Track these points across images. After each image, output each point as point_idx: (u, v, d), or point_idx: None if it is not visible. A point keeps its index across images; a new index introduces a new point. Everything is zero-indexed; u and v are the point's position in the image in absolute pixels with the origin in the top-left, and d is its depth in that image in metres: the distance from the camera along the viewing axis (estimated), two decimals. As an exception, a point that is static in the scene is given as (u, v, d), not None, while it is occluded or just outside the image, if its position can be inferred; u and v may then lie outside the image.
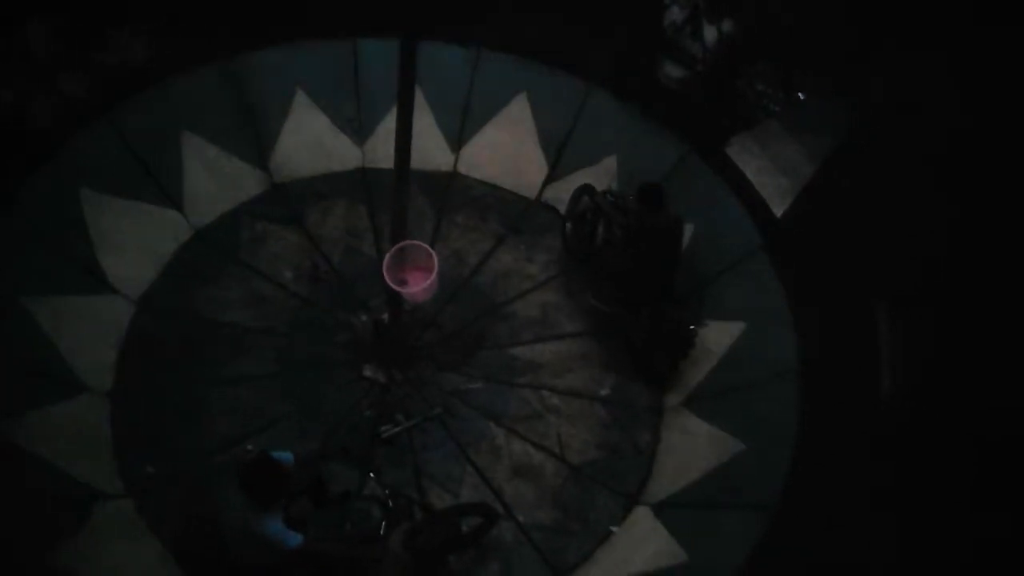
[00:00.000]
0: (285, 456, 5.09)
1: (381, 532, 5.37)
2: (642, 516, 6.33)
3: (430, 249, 5.96)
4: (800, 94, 7.79)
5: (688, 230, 6.96)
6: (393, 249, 5.88)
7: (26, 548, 5.43)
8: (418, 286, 5.92)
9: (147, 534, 5.82)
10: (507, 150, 7.56)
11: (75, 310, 6.33)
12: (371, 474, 5.83)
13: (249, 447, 6.17)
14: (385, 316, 6.57)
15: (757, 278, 6.94)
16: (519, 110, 7.57)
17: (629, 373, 6.85)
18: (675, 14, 7.87)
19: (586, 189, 7.07)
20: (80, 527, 5.63)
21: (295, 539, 4.93)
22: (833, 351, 6.57)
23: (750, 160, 7.46)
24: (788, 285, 6.86)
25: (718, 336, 6.76)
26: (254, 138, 7.25)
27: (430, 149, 7.35)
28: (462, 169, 7.58)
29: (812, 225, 7.10)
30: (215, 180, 7.09)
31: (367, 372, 6.68)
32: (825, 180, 7.31)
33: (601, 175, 7.33)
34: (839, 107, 7.57)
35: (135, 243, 6.73)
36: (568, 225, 7.24)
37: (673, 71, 7.86)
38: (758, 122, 7.66)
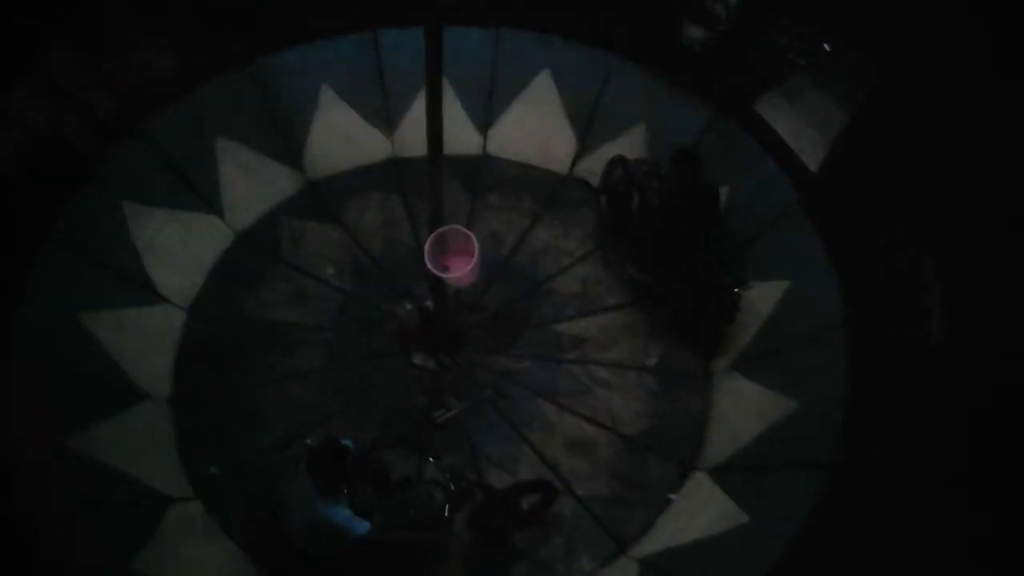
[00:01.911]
0: (346, 445, 5.20)
1: (445, 514, 5.47)
2: (699, 482, 6.37)
3: (469, 233, 5.98)
4: (825, 45, 7.67)
5: (723, 193, 6.92)
6: (432, 235, 5.92)
7: (105, 557, 5.61)
8: (460, 270, 5.94)
9: (218, 533, 5.98)
10: (535, 128, 7.55)
11: (129, 322, 6.47)
12: (431, 459, 5.92)
13: (308, 441, 6.28)
14: (429, 303, 6.64)
15: (797, 235, 6.87)
16: (544, 87, 7.54)
17: (675, 341, 6.85)
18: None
19: (619, 160, 7.06)
20: (153, 531, 5.79)
21: (363, 526, 5.03)
22: (879, 302, 6.51)
23: (780, 117, 7.36)
24: (829, 240, 6.79)
25: (762, 296, 6.73)
26: (285, 138, 7.32)
27: (458, 133, 7.32)
28: (492, 150, 7.60)
29: (849, 177, 7.01)
30: (251, 183, 7.17)
31: (416, 360, 6.76)
32: (858, 130, 7.21)
33: (631, 145, 7.29)
34: (867, 54, 7.44)
35: (180, 252, 6.85)
36: (603, 198, 7.24)
37: (696, 33, 7.76)
38: (786, 78, 7.56)
